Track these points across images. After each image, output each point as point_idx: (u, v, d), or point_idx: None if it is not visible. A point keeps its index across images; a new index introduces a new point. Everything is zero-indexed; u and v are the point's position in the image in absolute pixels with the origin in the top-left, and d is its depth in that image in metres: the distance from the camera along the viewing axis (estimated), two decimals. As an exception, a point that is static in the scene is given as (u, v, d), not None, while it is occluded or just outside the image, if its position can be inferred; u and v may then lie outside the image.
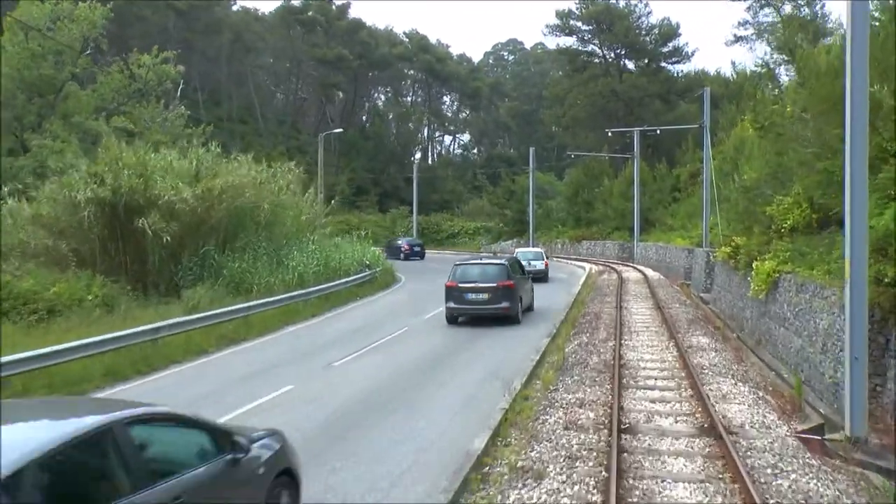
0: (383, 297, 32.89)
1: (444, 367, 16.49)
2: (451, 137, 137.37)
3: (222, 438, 6.39)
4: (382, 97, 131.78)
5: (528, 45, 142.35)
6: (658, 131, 44.91)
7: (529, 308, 24.15)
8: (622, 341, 18.63)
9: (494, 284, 21.19)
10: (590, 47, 76.41)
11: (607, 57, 76.36)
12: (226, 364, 17.31)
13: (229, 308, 22.05)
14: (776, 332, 17.31)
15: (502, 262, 22.34)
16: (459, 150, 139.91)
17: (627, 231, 57.57)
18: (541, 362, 16.20)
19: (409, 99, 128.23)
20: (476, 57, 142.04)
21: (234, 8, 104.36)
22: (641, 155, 54.95)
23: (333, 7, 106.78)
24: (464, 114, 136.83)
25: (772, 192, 20.90)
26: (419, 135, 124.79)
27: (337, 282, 31.33)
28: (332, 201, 50.71)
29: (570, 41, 77.07)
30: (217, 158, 34.32)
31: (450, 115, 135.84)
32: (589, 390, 13.59)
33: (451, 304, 21.59)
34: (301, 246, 33.98)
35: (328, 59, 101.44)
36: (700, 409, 12.07)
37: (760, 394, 13.48)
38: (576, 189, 67.99)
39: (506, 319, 21.56)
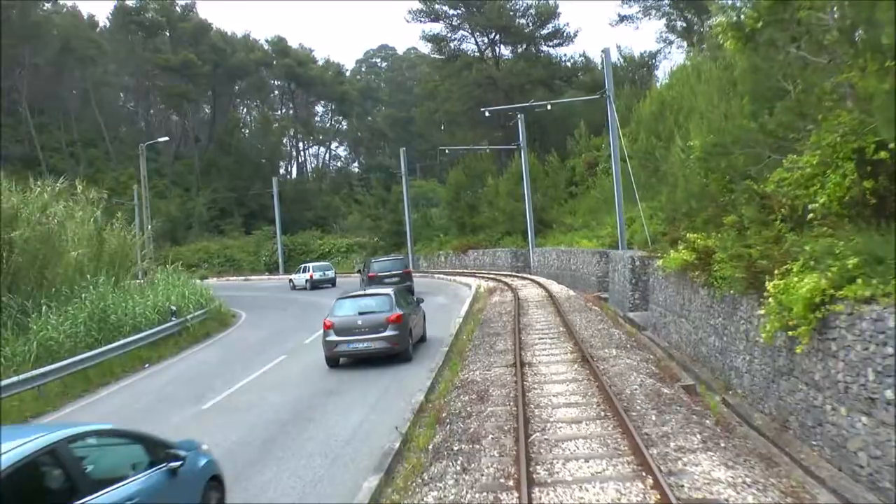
0: (183, 360, 22.92)
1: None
2: (323, 149, 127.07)
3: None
4: (246, 110, 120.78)
5: (400, 51, 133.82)
6: (549, 107, 36.45)
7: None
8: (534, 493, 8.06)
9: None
10: (459, 33, 67.90)
11: (480, 43, 68.07)
12: None
13: None
14: (837, 421, 8.66)
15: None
16: (335, 163, 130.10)
17: (520, 235, 49.15)
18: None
19: (279, 111, 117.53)
20: (348, 65, 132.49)
21: (49, 6, 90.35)
22: (528, 148, 46.63)
23: (176, 8, 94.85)
24: (336, 123, 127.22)
25: (768, 150, 12.24)
26: (285, 147, 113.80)
27: (105, 347, 21.14)
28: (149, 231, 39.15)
29: (437, 27, 68.43)
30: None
31: (324, 125, 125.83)
32: None
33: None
34: (83, 294, 23.96)
35: (173, 66, 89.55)
36: None
37: None
38: (456, 191, 58.95)
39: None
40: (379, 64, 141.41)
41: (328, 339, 18.07)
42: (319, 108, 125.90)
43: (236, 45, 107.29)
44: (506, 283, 35.60)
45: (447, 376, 14.47)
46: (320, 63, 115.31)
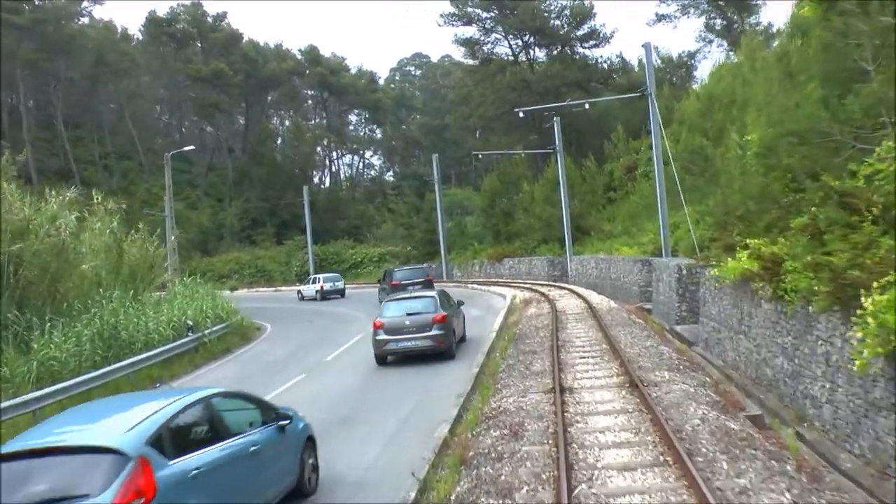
0: (197, 378, 21.53)
1: None
2: (357, 158, 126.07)
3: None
4: (279, 120, 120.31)
5: (434, 59, 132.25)
6: (587, 106, 34.53)
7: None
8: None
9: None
10: (492, 36, 66.15)
11: (514, 46, 66.29)
12: None
13: None
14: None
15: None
16: (369, 172, 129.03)
17: (557, 243, 47.22)
18: None
19: (312, 121, 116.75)
20: (381, 74, 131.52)
21: (86, 21, 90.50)
22: (564, 152, 44.70)
23: (208, 19, 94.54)
24: (370, 132, 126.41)
25: (850, 140, 10.38)
26: (318, 156, 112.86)
27: (111, 367, 19.76)
28: (172, 241, 37.89)
29: (470, 31, 66.75)
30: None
31: (357, 134, 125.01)
32: None
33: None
34: (94, 309, 22.82)
35: (205, 77, 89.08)
36: None
37: None
38: (491, 199, 57.10)
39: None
40: (413, 72, 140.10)
41: (378, 337, 19.36)
42: (353, 118, 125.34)
43: (268, 55, 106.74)
44: (542, 294, 33.74)
45: (476, 403, 12.70)
46: (353, 71, 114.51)
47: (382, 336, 19.21)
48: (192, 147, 49.02)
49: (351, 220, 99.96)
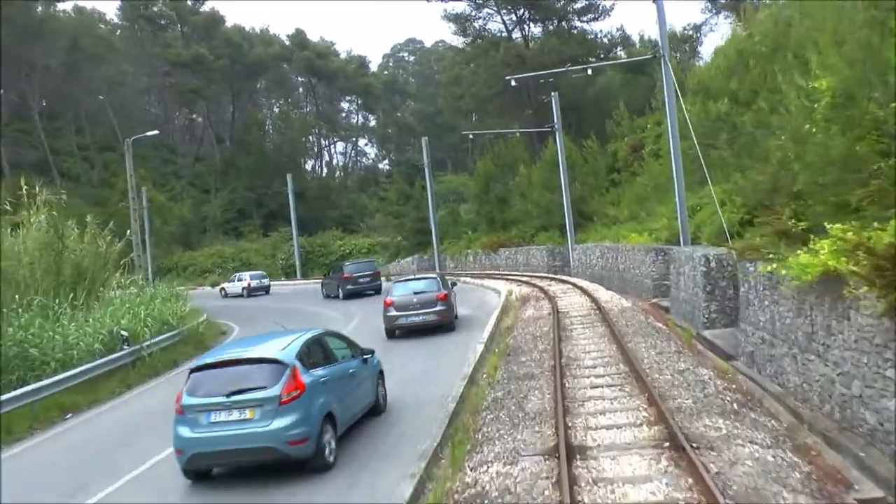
0: (121, 405, 17.62)
1: None
2: (350, 146, 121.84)
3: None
4: (269, 108, 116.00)
5: (428, 44, 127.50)
6: (590, 71, 30.39)
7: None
8: None
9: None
10: (484, 11, 61.70)
11: (507, 22, 61.92)
12: None
13: None
14: None
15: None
16: (364, 160, 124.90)
17: (557, 230, 43.20)
18: None
19: (304, 108, 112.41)
20: (374, 61, 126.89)
21: (62, 6, 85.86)
22: (563, 133, 40.62)
23: (187, 1, 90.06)
24: (364, 119, 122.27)
25: None
26: (308, 144, 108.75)
27: (10, 394, 15.79)
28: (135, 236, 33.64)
29: (460, 5, 62.36)
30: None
31: (349, 121, 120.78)
32: None
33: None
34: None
35: (184, 62, 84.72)
36: None
37: None
38: (486, 183, 52.74)
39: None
40: (406, 58, 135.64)
41: (388, 314, 21.87)
42: (345, 105, 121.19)
43: (254, 40, 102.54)
44: (541, 289, 29.77)
45: (440, 477, 8.67)
46: (343, 56, 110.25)
47: (393, 312, 21.71)
48: (155, 132, 44.80)
49: (343, 210, 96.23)
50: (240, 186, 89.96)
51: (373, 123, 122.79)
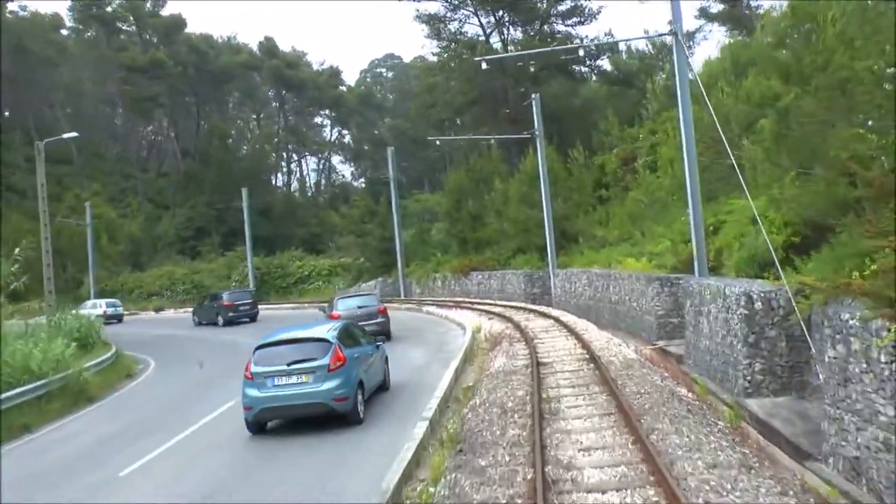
0: None
1: None
2: (323, 161, 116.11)
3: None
4: (241, 121, 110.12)
5: (407, 59, 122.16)
6: (581, 52, 24.82)
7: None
8: None
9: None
10: (460, 13, 56.42)
11: (485, 24, 56.66)
12: None
13: None
14: None
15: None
16: (340, 178, 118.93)
17: (536, 252, 37.69)
18: None
19: (279, 123, 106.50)
20: (352, 76, 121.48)
21: (10, 6, 79.52)
22: (545, 144, 35.19)
23: (147, 3, 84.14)
24: (340, 136, 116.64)
25: None
26: (274, 158, 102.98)
27: None
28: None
29: (434, 6, 57.18)
30: None
31: (322, 137, 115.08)
32: None
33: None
34: None
35: (140, 66, 78.72)
36: None
37: None
38: (457, 199, 47.06)
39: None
40: (385, 74, 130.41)
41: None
42: (319, 120, 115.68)
43: (221, 48, 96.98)
44: (517, 326, 24.22)
45: None
46: (315, 68, 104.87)
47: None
48: (73, 134, 38.75)
49: (311, 229, 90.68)
50: (199, 202, 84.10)
51: (347, 139, 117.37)
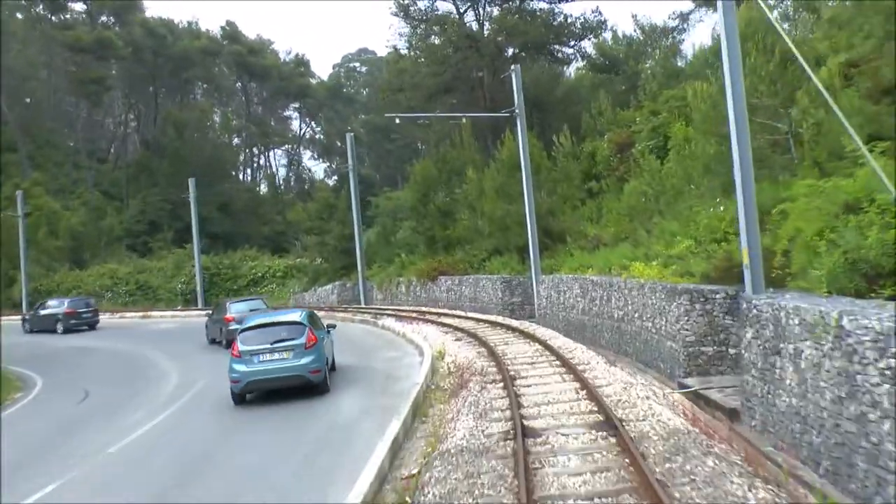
0: None
1: None
2: (291, 156, 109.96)
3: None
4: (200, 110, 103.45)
5: (381, 54, 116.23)
6: (569, 20, 14.01)
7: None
8: None
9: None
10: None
11: (458, 1, 50.62)
12: None
13: None
14: None
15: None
16: (312, 173, 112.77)
17: (516, 254, 32.01)
18: None
19: (245, 117, 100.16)
20: (325, 71, 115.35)
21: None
22: (526, 133, 29.39)
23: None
24: (313, 132, 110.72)
25: None
26: (237, 150, 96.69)
27: None
28: None
29: (402, -20, 51.02)
30: None
31: (292, 129, 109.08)
32: None
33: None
34: None
35: (85, 45, 72.00)
36: None
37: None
38: (424, 192, 41.13)
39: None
40: (358, 68, 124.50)
41: (230, 327, 23.98)
42: (290, 112, 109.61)
43: (180, 33, 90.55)
44: (492, 353, 18.46)
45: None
46: (283, 57, 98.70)
47: (235, 326, 22.25)
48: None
49: (275, 226, 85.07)
50: (152, 195, 78.02)
51: (319, 136, 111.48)
